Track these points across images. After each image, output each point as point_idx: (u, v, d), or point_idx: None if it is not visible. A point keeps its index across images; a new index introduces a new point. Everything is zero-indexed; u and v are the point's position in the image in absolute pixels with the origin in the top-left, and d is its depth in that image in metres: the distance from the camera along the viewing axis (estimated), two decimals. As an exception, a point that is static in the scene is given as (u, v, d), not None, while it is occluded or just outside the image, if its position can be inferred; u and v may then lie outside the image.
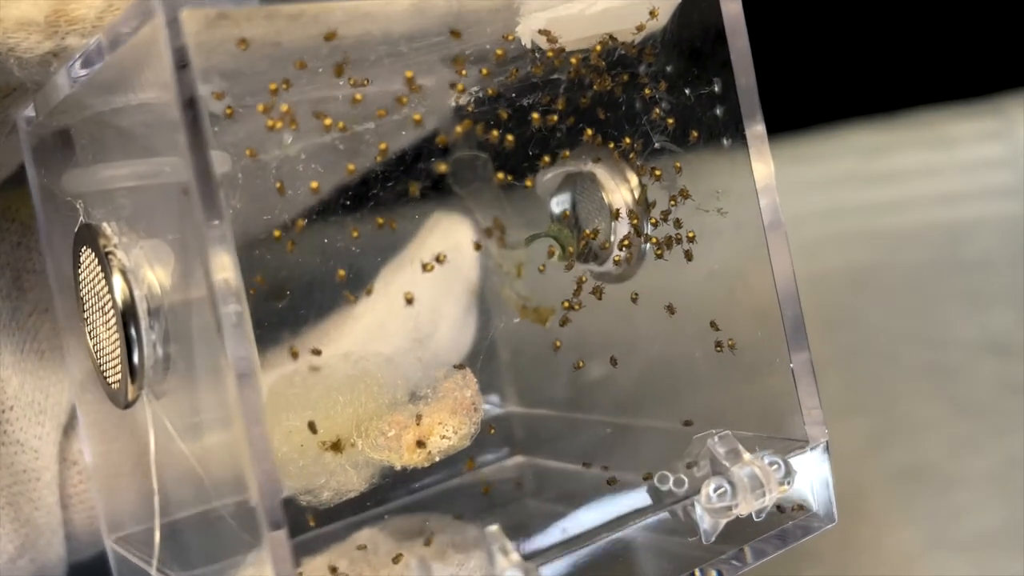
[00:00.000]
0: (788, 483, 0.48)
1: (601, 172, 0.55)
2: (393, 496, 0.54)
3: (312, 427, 0.49)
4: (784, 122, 1.11)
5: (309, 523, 0.50)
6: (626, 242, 0.54)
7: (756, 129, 0.51)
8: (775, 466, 0.48)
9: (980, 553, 0.88)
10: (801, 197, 1.10)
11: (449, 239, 0.56)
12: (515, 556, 0.44)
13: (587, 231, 0.55)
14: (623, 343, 0.57)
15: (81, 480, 0.58)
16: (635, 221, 0.54)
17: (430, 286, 0.55)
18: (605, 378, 0.59)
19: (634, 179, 0.55)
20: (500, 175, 0.55)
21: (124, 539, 0.54)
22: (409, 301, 0.53)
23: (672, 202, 0.54)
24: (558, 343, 0.54)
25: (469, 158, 0.56)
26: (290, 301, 0.53)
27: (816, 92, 1.16)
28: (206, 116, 0.40)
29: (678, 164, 0.53)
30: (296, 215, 0.52)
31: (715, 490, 0.48)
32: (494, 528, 0.44)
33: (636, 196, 0.54)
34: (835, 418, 0.99)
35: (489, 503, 0.56)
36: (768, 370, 0.52)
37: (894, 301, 1.06)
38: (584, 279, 0.55)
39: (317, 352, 0.53)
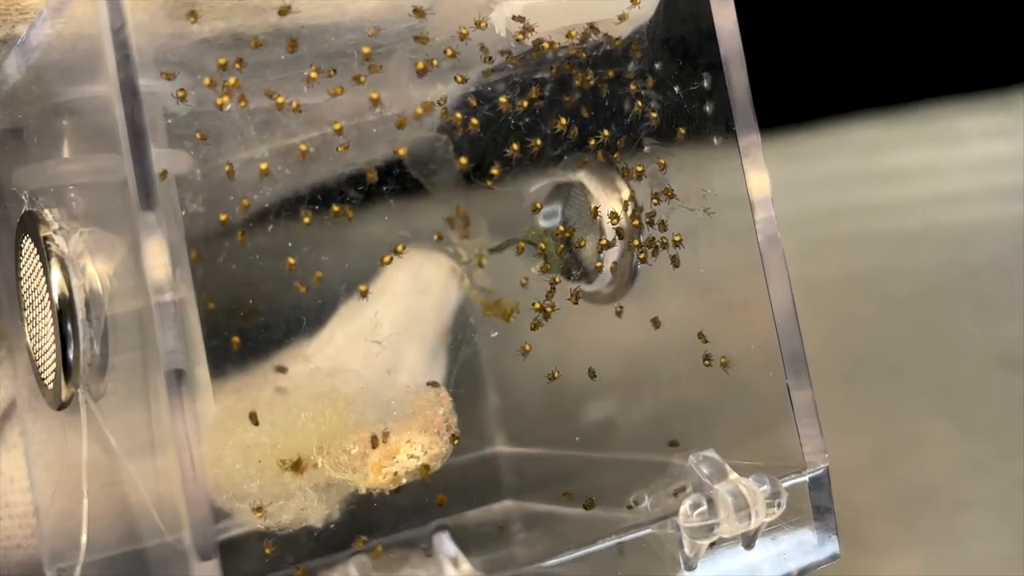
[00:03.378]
0: (778, 504, 0.49)
1: (591, 182, 0.56)
2: (371, 536, 0.55)
3: (253, 418, 0.50)
4: (779, 116, 1.11)
5: (266, 550, 0.51)
6: (602, 242, 0.55)
7: (751, 138, 0.52)
8: (762, 485, 0.48)
9: (987, 582, 0.88)
10: (797, 197, 1.10)
11: (418, 279, 0.57)
12: (466, 567, 0.46)
13: (560, 227, 0.56)
14: (618, 376, 0.59)
15: None
16: (615, 222, 0.55)
17: (392, 329, 0.56)
18: (604, 416, 0.60)
19: (626, 190, 0.56)
20: (463, 160, 0.56)
21: (66, 571, 0.55)
22: (363, 294, 0.54)
23: (655, 200, 0.55)
24: (527, 347, 0.55)
25: (428, 140, 0.57)
26: (254, 319, 0.54)
27: (814, 84, 1.16)
28: (140, 93, 0.42)
29: (662, 161, 0.54)
30: (257, 216, 0.53)
31: (692, 506, 0.48)
32: (443, 535, 0.46)
33: (627, 204, 0.56)
34: (833, 435, 0.99)
35: (467, 549, 0.57)
36: (769, 395, 0.53)
37: (897, 309, 1.07)
38: (558, 280, 0.55)
39: (282, 369, 0.54)
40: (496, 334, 0.57)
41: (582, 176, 0.57)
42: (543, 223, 0.58)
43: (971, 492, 0.91)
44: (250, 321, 0.54)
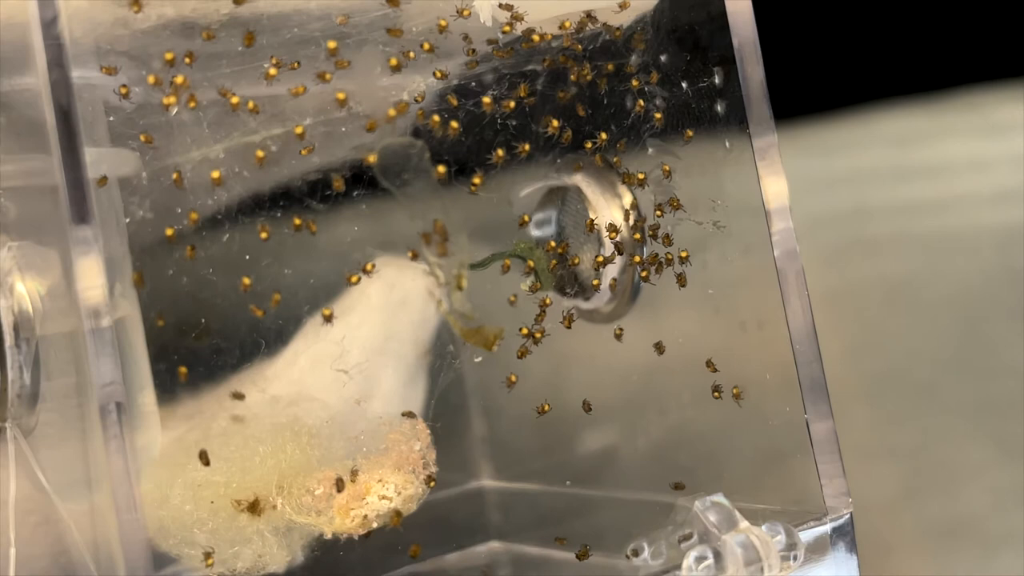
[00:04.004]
0: (794, 557, 0.48)
1: (588, 187, 0.56)
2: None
3: (203, 457, 0.49)
4: (800, 106, 1.11)
5: None
6: (599, 259, 0.55)
7: (767, 139, 0.52)
8: (776, 535, 0.48)
9: (1030, 626, 0.88)
10: (820, 196, 1.10)
11: (394, 292, 0.57)
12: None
13: (551, 242, 0.56)
14: (618, 405, 0.59)
15: None
16: (614, 236, 0.55)
17: (364, 350, 0.55)
18: (601, 449, 0.60)
19: (628, 196, 0.56)
20: (441, 168, 0.56)
21: None
22: (327, 318, 0.54)
23: (658, 212, 0.55)
24: (513, 377, 0.55)
25: (402, 146, 0.56)
26: (207, 339, 0.54)
27: (838, 70, 1.17)
28: (74, 91, 0.42)
29: (667, 167, 0.54)
30: (212, 223, 0.53)
31: (697, 560, 0.48)
32: None
33: (628, 213, 0.56)
34: (859, 462, 1.00)
35: None
36: (786, 428, 0.53)
37: (931, 320, 1.06)
38: (549, 301, 0.55)
39: (240, 396, 0.54)
40: (480, 359, 0.57)
41: (579, 180, 0.56)
42: (535, 232, 0.58)
43: (1013, 525, 0.90)
44: (203, 341, 0.53)
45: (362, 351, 0.55)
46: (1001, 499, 0.92)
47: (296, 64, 0.50)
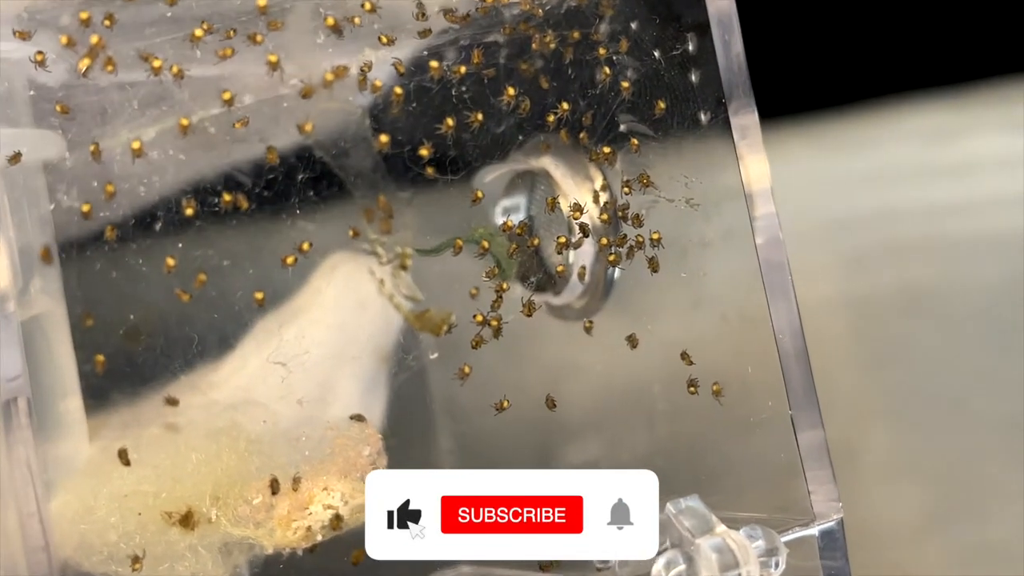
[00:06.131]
0: (775, 563, 0.48)
1: (557, 169, 0.56)
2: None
3: (123, 456, 0.49)
4: (821, 98, 1.11)
5: None
6: (561, 239, 0.55)
7: (746, 115, 0.51)
8: (756, 540, 0.48)
9: (1065, 661, 0.87)
10: (843, 196, 1.10)
11: (357, 291, 0.56)
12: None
13: (508, 222, 0.56)
14: (592, 406, 0.58)
15: None
16: (577, 216, 0.55)
17: (319, 352, 0.55)
18: (575, 455, 0.60)
19: (599, 179, 0.55)
20: (384, 137, 0.55)
21: None
22: (260, 303, 0.54)
23: (625, 189, 0.54)
24: (467, 368, 0.55)
25: (339, 111, 0.56)
26: (138, 339, 0.53)
27: (865, 61, 1.16)
28: None
29: (635, 142, 0.54)
30: (146, 212, 0.53)
31: (668, 565, 0.47)
32: None
33: (597, 195, 0.55)
34: (883, 484, 1.00)
35: None
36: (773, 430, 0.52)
37: (961, 329, 1.06)
38: (506, 287, 0.55)
39: (173, 402, 0.53)
40: (436, 355, 0.57)
41: (546, 163, 0.56)
42: (502, 220, 0.57)
43: (1049, 551, 0.90)
44: (137, 342, 0.53)
45: (318, 350, 0.55)
46: (1035, 523, 0.92)
47: (232, 32, 0.50)
